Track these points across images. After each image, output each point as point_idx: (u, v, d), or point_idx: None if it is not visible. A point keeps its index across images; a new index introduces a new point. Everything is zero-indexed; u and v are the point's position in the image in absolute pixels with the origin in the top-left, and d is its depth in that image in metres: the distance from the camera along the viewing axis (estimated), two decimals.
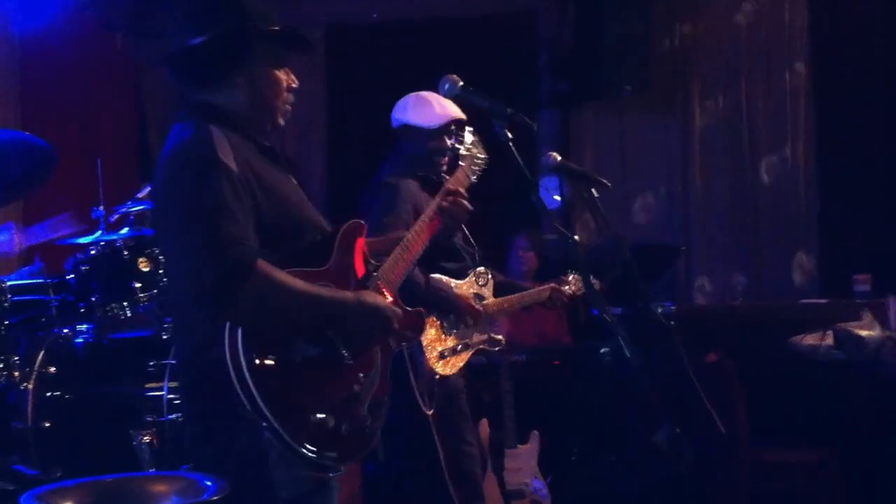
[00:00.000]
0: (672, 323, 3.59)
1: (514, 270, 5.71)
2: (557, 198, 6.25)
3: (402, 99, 3.94)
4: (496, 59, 6.39)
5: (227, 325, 2.18)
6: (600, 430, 5.39)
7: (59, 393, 3.76)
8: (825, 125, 6.49)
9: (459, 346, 3.76)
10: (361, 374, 2.42)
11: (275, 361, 2.23)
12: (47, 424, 3.69)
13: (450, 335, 3.74)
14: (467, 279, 3.89)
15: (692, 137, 6.64)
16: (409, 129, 3.87)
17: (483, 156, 3.24)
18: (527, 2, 6.60)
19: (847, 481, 4.98)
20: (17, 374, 3.70)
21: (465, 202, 2.96)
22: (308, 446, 2.24)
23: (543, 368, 5.43)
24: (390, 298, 2.58)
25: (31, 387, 3.69)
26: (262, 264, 2.22)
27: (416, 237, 2.86)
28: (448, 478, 3.71)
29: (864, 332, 4.79)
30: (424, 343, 3.62)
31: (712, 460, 4.47)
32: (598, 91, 6.17)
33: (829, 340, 4.87)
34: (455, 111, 3.81)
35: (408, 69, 6.33)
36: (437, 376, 3.68)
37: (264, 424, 2.18)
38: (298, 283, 2.29)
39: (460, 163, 3.25)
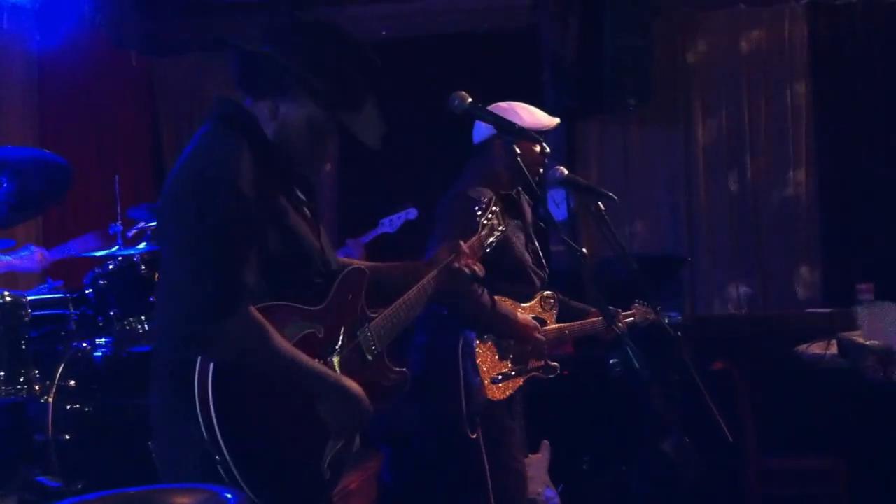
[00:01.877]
0: (679, 333, 3.65)
1: None
2: (565, 210, 6.31)
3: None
4: (500, 75, 6.44)
5: (200, 357, 2.16)
6: (610, 440, 5.41)
7: (78, 406, 3.80)
8: (826, 137, 6.52)
9: (514, 372, 3.62)
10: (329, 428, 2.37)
11: (241, 402, 2.20)
12: (68, 437, 3.73)
13: (506, 359, 3.61)
14: (532, 302, 3.75)
15: (695, 150, 6.66)
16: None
17: (502, 228, 3.06)
18: (529, 18, 6.66)
19: (853, 489, 5.02)
20: (37, 387, 3.72)
21: (466, 271, 2.78)
22: (255, 488, 2.19)
23: (553, 378, 5.45)
24: (378, 350, 2.52)
25: (51, 400, 3.73)
26: (252, 311, 2.17)
27: (418, 299, 2.68)
28: (493, 499, 3.56)
29: (867, 341, 4.81)
30: (481, 366, 3.51)
31: (720, 468, 4.51)
32: (601, 105, 6.18)
33: (834, 349, 4.90)
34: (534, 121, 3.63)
35: (414, 85, 6.43)
36: (487, 400, 3.54)
37: (217, 458, 2.16)
38: (282, 344, 2.22)
39: (480, 231, 3.01)
